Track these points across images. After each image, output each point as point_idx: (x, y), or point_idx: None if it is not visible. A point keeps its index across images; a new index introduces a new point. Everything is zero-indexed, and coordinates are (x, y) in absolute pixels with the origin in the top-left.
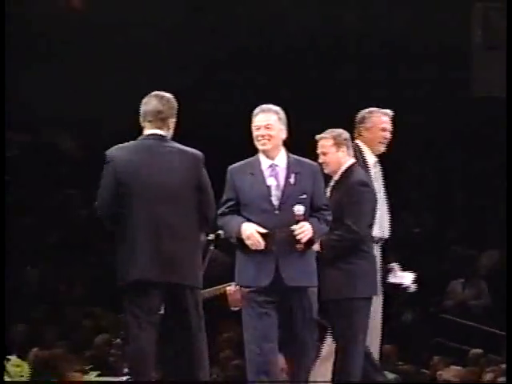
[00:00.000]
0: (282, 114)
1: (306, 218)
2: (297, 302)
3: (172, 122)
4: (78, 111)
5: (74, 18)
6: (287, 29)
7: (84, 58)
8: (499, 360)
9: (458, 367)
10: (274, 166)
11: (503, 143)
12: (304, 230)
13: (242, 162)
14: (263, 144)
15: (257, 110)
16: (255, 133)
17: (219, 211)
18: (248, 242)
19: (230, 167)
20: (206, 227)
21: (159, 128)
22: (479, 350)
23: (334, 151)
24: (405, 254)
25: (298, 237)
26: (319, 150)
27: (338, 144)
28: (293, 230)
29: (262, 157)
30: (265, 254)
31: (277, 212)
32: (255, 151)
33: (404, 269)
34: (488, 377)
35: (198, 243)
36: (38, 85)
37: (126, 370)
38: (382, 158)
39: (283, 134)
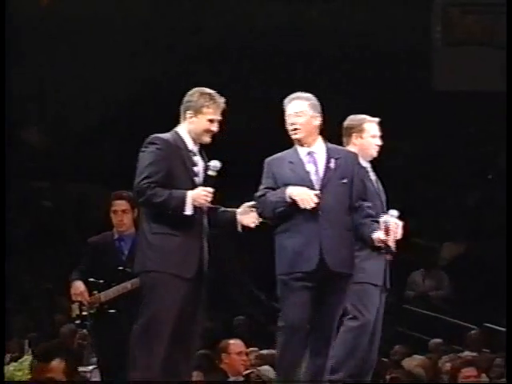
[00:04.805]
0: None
1: None
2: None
3: None
4: (47, 107)
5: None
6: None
7: (58, 54)
8: (458, 349)
9: (421, 356)
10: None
11: (464, 136)
12: None
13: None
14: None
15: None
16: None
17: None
18: (300, 198)
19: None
20: None
21: None
22: (439, 340)
23: None
24: None
25: None
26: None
27: None
28: None
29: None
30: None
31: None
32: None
33: None
34: (445, 365)
35: None
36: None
37: (93, 360)
38: None
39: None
